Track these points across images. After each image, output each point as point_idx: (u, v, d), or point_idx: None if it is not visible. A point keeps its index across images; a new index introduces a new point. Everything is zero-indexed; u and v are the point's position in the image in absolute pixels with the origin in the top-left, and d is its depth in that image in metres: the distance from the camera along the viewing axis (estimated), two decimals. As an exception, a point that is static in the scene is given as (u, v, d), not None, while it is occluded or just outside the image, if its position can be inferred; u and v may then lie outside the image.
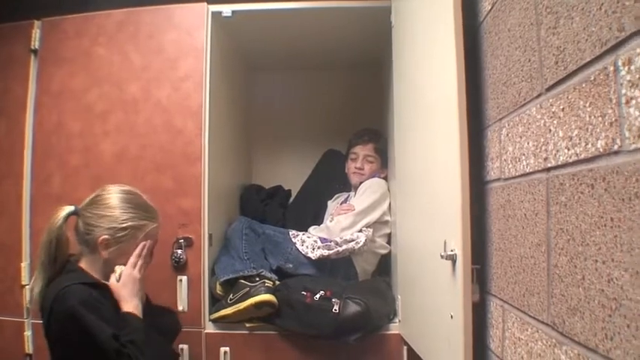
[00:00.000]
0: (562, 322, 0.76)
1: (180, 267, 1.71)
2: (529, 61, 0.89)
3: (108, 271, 1.31)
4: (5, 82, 1.89)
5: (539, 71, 0.85)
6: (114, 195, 1.30)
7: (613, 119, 0.62)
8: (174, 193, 1.73)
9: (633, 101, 0.58)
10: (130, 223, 1.27)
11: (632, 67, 0.58)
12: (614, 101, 0.62)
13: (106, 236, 1.25)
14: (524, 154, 0.92)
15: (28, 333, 1.79)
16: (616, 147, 0.61)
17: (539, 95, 0.85)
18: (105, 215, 1.26)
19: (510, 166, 0.99)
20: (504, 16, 1.01)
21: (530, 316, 0.90)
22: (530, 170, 0.89)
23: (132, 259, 1.30)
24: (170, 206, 1.72)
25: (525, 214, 0.91)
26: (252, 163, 2.65)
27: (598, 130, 0.65)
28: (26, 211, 1.83)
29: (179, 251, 1.71)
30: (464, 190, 1.05)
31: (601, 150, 0.65)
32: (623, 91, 0.60)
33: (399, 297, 1.72)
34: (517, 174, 0.95)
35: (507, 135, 1.00)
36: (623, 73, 0.60)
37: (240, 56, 2.36)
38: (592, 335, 0.67)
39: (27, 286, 1.79)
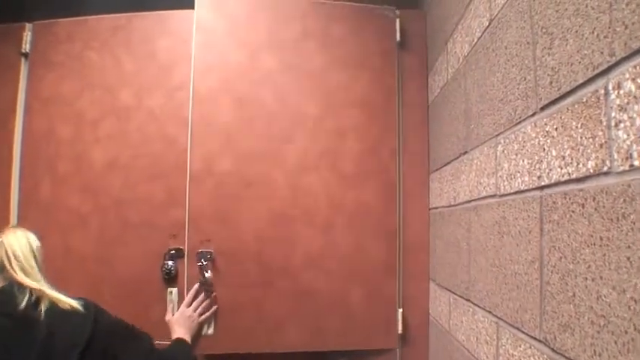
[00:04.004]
0: (554, 339, 0.77)
1: (170, 279, 1.67)
2: (525, 79, 0.91)
3: None
4: (-6, 85, 1.83)
5: (534, 90, 0.87)
6: None
7: (603, 141, 0.63)
8: (166, 203, 1.70)
9: (622, 124, 0.59)
10: None
11: (622, 92, 0.60)
12: (604, 123, 0.63)
13: None
14: (519, 172, 0.93)
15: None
16: (605, 168, 0.63)
17: (534, 114, 0.87)
18: None
19: (506, 182, 1.00)
20: (501, 34, 1.03)
21: (523, 333, 0.90)
22: (525, 188, 0.90)
23: (187, 299, 1.58)
24: (161, 217, 1.70)
25: (520, 232, 0.93)
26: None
27: (589, 150, 0.67)
28: (14, 217, 1.77)
29: (170, 262, 1.67)
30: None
31: (591, 170, 0.66)
32: (613, 114, 0.61)
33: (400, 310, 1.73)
34: (512, 191, 0.97)
35: (503, 152, 1.02)
36: (612, 97, 0.62)
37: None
38: (582, 351, 0.68)
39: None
